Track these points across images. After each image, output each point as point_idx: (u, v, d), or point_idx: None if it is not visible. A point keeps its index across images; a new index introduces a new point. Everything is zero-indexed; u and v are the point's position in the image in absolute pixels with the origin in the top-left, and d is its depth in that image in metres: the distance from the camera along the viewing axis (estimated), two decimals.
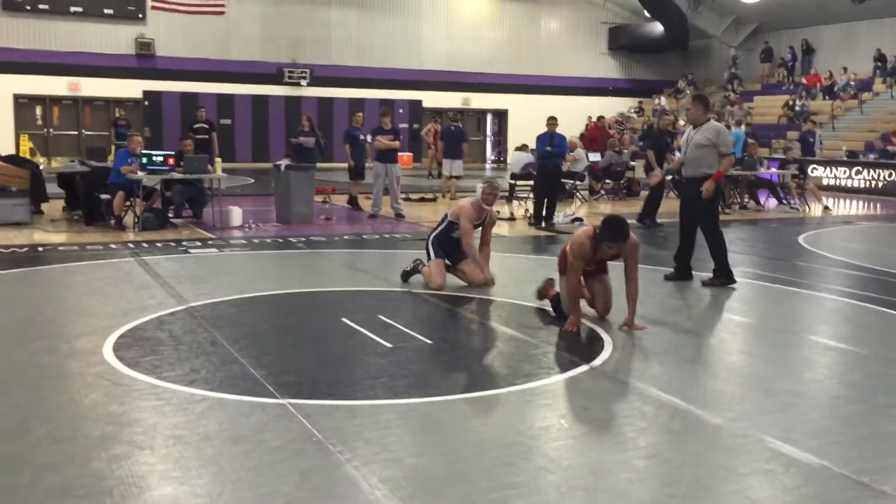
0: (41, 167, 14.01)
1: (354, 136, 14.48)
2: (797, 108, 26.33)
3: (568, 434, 4.15)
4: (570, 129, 19.56)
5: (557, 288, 6.62)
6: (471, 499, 3.35)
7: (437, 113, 27.21)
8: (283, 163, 13.28)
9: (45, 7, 25.28)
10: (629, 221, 6.27)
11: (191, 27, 26.95)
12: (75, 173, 12.68)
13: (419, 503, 3.31)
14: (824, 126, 24.43)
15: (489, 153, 33.21)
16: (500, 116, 32.64)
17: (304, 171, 12.74)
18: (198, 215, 12.46)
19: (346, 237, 11.27)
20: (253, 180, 20.21)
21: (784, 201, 16.25)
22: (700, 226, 8.07)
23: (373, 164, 13.84)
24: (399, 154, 14.16)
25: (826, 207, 16.28)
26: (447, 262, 7.79)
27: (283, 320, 6.63)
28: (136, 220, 11.28)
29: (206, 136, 16.77)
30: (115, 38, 26.26)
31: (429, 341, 5.79)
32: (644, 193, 14.79)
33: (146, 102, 26.98)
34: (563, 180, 14.60)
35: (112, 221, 11.29)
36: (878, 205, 17.86)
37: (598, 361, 5.35)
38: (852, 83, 26.47)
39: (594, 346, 5.76)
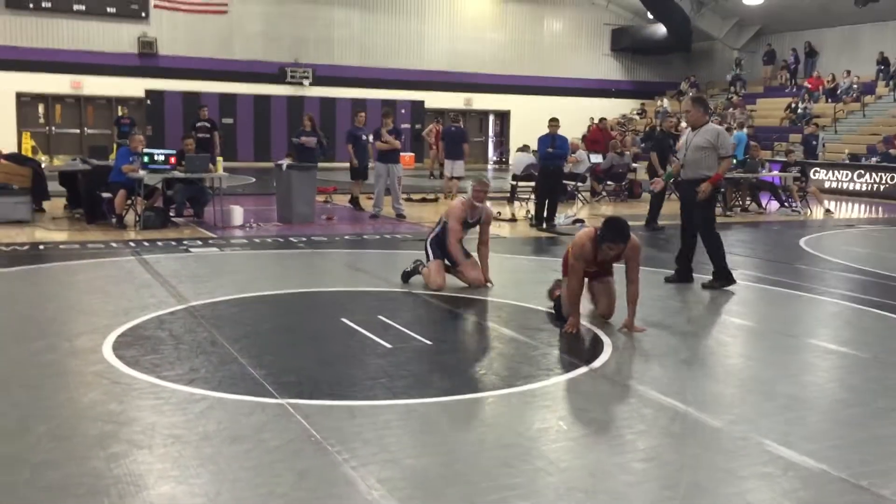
0: (43, 165, 14.03)
1: (357, 136, 14.48)
2: (799, 110, 26.33)
3: (567, 436, 4.15)
4: (572, 130, 19.57)
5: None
6: (469, 500, 3.35)
7: (440, 113, 27.19)
8: (285, 162, 13.28)
9: (48, 5, 25.28)
10: (635, 226, 6.24)
11: (193, 26, 26.99)
12: (77, 172, 12.68)
13: None
14: (826, 129, 24.39)
15: (491, 154, 33.19)
16: (503, 117, 32.61)
17: (305, 171, 12.74)
18: (199, 214, 12.45)
19: (347, 237, 11.27)
20: (254, 180, 20.19)
21: (786, 204, 16.23)
22: (696, 228, 8.08)
23: (374, 165, 13.84)
24: (401, 154, 14.15)
25: (828, 210, 16.27)
26: (446, 262, 7.79)
27: (283, 320, 6.64)
28: (138, 219, 11.29)
29: (208, 136, 16.80)
30: (117, 37, 26.28)
31: (428, 342, 5.78)
32: (646, 196, 14.78)
33: (148, 101, 27.00)
34: (564, 182, 14.59)
35: (113, 220, 11.29)
36: (880, 208, 17.85)
37: (597, 363, 5.34)
38: (855, 86, 26.44)
39: (594, 347, 5.75)
